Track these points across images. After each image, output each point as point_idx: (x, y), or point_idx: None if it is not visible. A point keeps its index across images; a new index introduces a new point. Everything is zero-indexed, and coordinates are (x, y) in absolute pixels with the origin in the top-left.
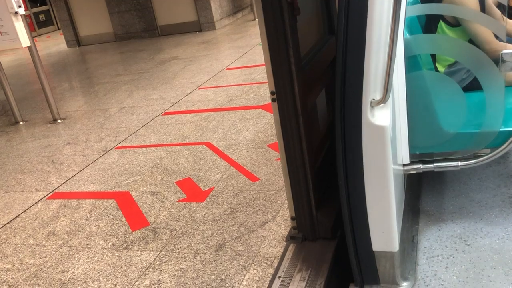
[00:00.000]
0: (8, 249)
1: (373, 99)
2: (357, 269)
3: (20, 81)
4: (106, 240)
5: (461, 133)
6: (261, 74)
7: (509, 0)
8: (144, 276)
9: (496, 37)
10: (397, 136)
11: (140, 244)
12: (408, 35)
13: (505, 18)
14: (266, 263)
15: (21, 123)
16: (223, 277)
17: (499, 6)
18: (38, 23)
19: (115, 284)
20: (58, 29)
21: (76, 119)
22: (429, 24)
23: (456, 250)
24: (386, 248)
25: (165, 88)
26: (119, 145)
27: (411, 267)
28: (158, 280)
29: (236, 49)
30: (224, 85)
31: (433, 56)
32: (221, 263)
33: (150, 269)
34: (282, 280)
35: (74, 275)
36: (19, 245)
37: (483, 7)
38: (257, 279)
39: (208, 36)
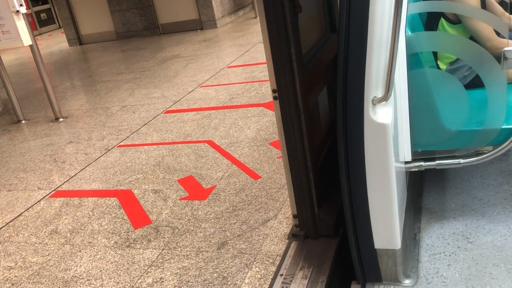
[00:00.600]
0: (11, 248)
1: (375, 96)
2: (359, 267)
3: (22, 80)
4: (109, 238)
5: (463, 130)
6: (263, 72)
7: None
8: (147, 274)
9: (498, 34)
10: (399, 133)
11: (143, 242)
12: (409, 33)
13: (507, 14)
14: (268, 261)
15: (23, 121)
16: (225, 275)
17: (501, 2)
18: (39, 21)
19: (118, 282)
20: (60, 27)
21: (78, 117)
22: (430, 21)
23: (458, 247)
24: (388, 246)
25: (166, 86)
26: (121, 143)
27: (413, 265)
28: (161, 278)
29: (237, 47)
30: (225, 83)
31: (435, 54)
32: (223, 261)
33: (153, 267)
34: (284, 278)
35: (77, 273)
36: (21, 244)
37: (484, 4)
38: (259, 277)
39: (209, 34)
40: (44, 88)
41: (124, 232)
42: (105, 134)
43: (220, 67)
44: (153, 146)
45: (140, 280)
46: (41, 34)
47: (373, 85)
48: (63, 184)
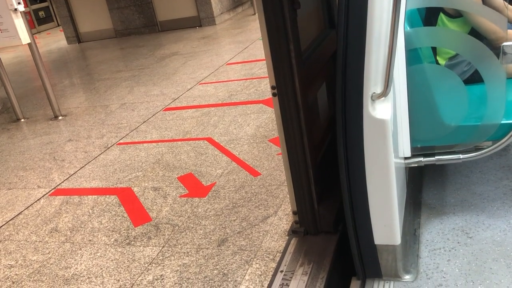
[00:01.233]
0: (11, 246)
1: (374, 92)
2: (359, 263)
3: (20, 78)
4: (109, 236)
5: (463, 126)
6: (262, 69)
7: None
8: (147, 271)
9: None
10: (398, 129)
11: (143, 240)
12: (408, 28)
13: (507, 4)
14: (268, 257)
15: (22, 120)
16: (225, 271)
17: None
18: (38, 20)
19: (118, 280)
20: (58, 25)
21: (77, 115)
22: (429, 16)
23: (458, 243)
24: (388, 242)
25: (165, 84)
26: (121, 141)
27: (413, 260)
28: (161, 275)
29: (236, 44)
30: (224, 80)
31: (434, 49)
32: (223, 257)
33: (153, 265)
34: (284, 274)
35: (77, 271)
36: (22, 242)
37: None
38: (260, 273)
39: (208, 31)
40: (43, 86)
41: (124, 229)
42: (104, 132)
43: (219, 64)
44: (153, 143)
45: (140, 278)
46: (40, 32)
47: (372, 81)
48: (62, 182)
